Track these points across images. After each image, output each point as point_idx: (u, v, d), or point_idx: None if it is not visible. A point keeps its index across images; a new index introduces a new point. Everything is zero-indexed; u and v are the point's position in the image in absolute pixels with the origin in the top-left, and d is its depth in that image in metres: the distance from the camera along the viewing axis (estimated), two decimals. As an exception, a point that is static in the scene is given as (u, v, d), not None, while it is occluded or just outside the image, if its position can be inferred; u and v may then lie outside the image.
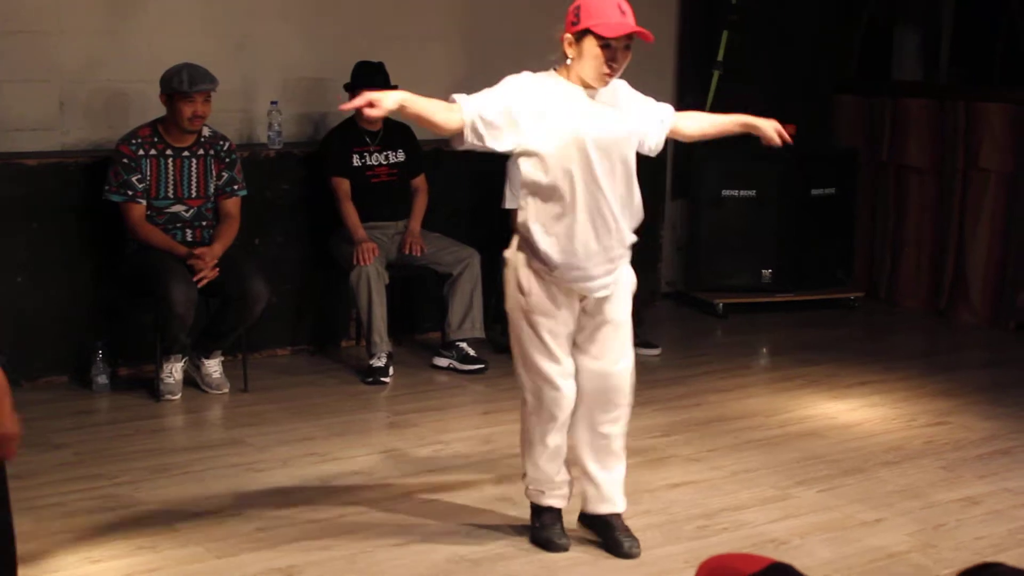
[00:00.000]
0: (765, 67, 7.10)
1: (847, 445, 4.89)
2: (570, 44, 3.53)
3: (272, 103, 6.06)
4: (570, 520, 3.93)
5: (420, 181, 6.06)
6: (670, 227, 7.48)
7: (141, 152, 5.32)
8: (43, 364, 5.41)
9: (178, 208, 5.40)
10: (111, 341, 5.54)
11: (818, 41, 7.31)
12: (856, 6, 7.78)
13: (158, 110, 5.39)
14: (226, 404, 5.39)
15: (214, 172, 5.46)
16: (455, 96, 3.54)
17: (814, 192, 7.22)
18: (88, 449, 4.71)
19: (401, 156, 6.00)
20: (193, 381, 5.52)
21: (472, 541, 3.90)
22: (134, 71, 5.79)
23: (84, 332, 5.52)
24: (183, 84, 5.22)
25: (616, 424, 3.80)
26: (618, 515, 3.86)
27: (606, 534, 3.85)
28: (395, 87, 5.83)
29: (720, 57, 7.04)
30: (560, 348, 3.68)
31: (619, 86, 3.67)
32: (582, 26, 3.49)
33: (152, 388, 5.40)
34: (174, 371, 5.39)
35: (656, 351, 6.18)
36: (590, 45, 3.49)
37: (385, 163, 5.95)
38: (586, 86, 3.57)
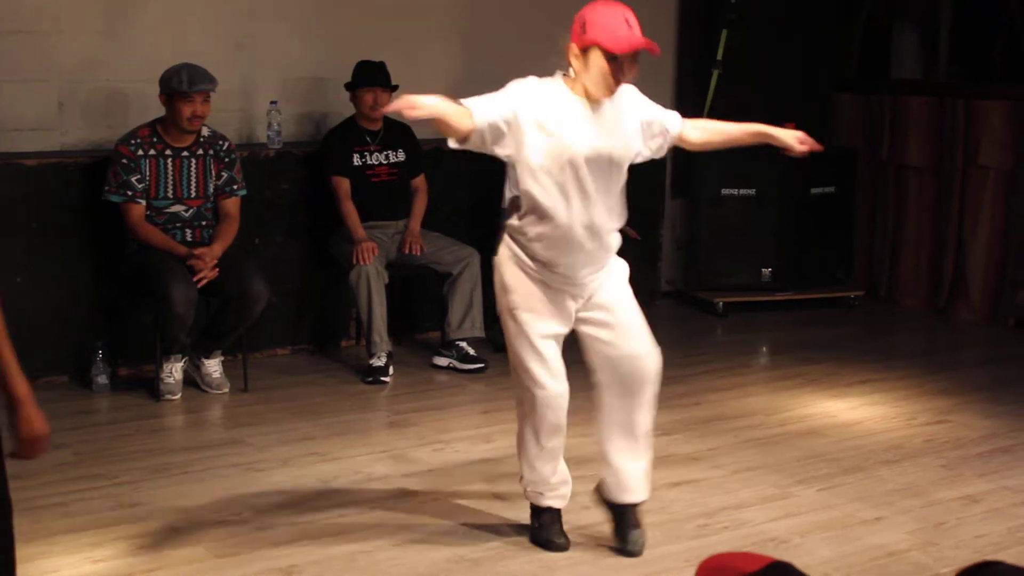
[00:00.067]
0: (764, 66, 7.10)
1: (847, 444, 4.89)
2: (576, 56, 3.49)
3: (272, 103, 6.06)
4: (570, 520, 3.93)
5: (420, 181, 6.06)
6: (670, 226, 7.48)
7: (140, 152, 5.32)
8: (43, 364, 5.41)
9: (177, 208, 5.40)
10: (111, 341, 5.54)
11: (817, 40, 7.32)
12: (855, 5, 7.78)
13: (157, 110, 5.39)
14: (226, 404, 5.39)
15: (213, 172, 5.46)
16: (464, 101, 3.52)
17: (814, 191, 7.22)
18: (88, 449, 4.71)
19: (401, 156, 6.00)
20: (193, 381, 5.52)
21: (472, 540, 3.90)
22: (133, 71, 5.79)
23: (84, 332, 5.52)
24: (182, 84, 5.22)
25: (640, 411, 3.75)
26: (635, 505, 3.84)
27: (617, 523, 3.85)
28: (396, 87, 5.86)
29: (719, 56, 7.04)
30: (548, 348, 3.66)
31: (625, 92, 3.62)
32: (588, 39, 3.44)
33: (152, 388, 5.40)
34: (174, 371, 5.39)
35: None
36: (597, 59, 3.45)
37: (385, 163, 5.95)
38: (590, 98, 3.53)
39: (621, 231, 3.77)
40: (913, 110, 7.26)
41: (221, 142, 5.49)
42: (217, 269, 5.26)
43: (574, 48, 3.49)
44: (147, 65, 5.64)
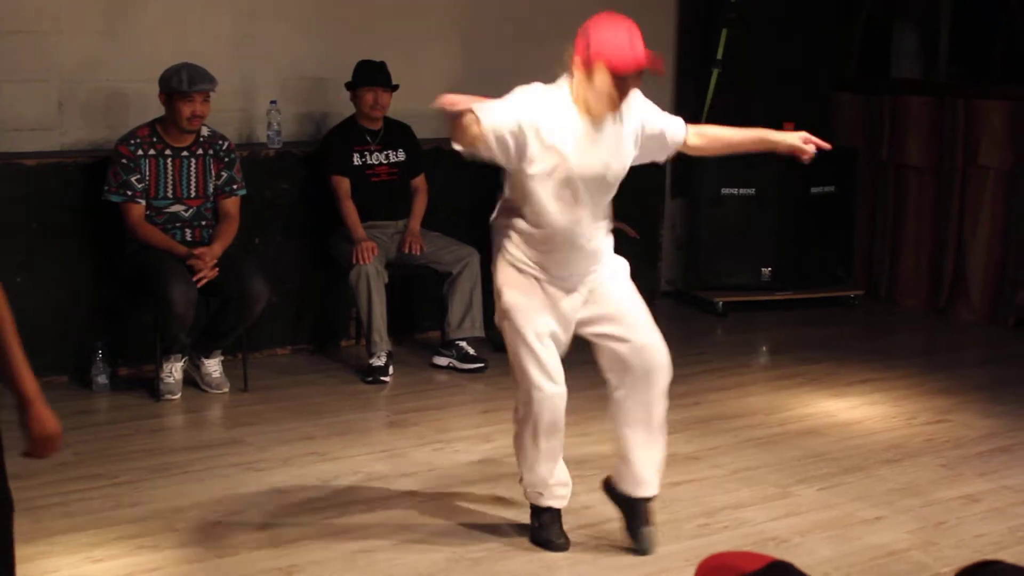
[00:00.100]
0: (764, 66, 7.10)
1: (847, 443, 4.89)
2: (579, 70, 3.46)
3: (271, 103, 6.05)
4: (570, 519, 3.93)
5: (420, 181, 6.06)
6: (670, 226, 7.48)
7: (140, 152, 5.31)
8: (43, 364, 5.36)
9: (177, 208, 5.40)
10: (111, 341, 5.54)
11: (817, 39, 7.32)
12: (855, 4, 7.77)
13: (157, 110, 5.39)
14: (226, 404, 5.39)
15: (213, 172, 5.46)
16: (473, 107, 3.51)
17: (813, 190, 7.22)
18: (88, 449, 4.71)
19: (401, 156, 6.00)
20: (193, 381, 5.52)
21: (472, 540, 3.90)
22: (133, 71, 5.79)
23: (84, 332, 5.52)
24: (182, 84, 5.21)
25: (655, 403, 3.73)
26: (647, 500, 3.84)
27: (629, 518, 3.84)
28: (396, 87, 5.86)
29: (719, 56, 7.04)
30: (544, 348, 3.65)
31: (629, 99, 3.59)
32: (593, 56, 3.41)
33: (152, 388, 5.40)
34: (174, 371, 5.39)
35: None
36: (601, 76, 3.42)
37: (385, 162, 5.95)
38: (592, 112, 3.50)
39: (620, 231, 3.76)
40: (913, 110, 7.26)
41: (221, 142, 5.49)
42: (217, 269, 5.26)
43: (578, 62, 3.46)
44: (147, 65, 5.64)
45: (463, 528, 4.00)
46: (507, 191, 3.68)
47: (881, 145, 7.43)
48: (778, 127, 7.05)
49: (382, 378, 5.65)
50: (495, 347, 5.95)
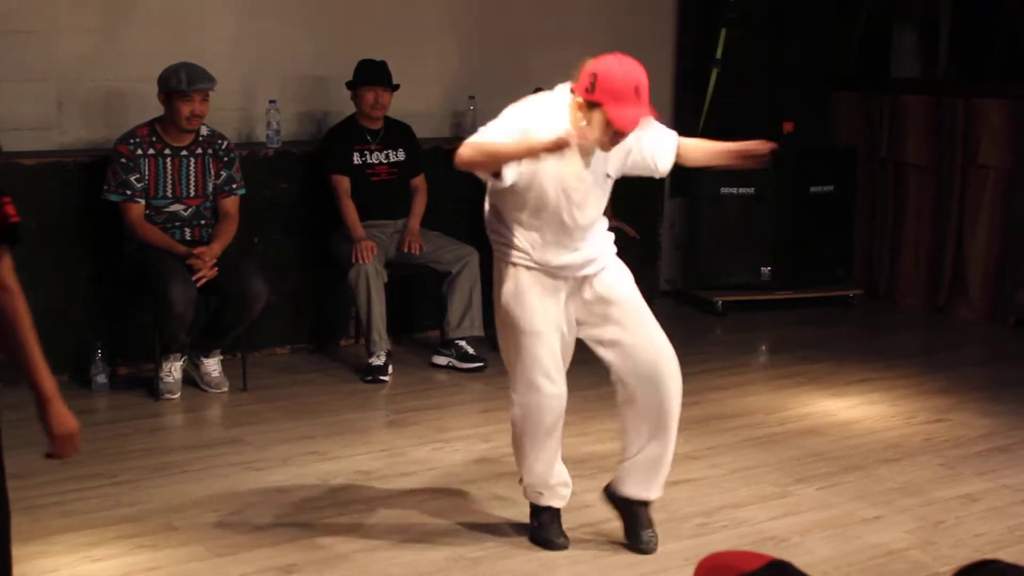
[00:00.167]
0: (764, 65, 7.10)
1: (846, 442, 4.89)
2: (579, 106, 3.43)
3: (271, 102, 6.05)
4: (570, 519, 3.93)
5: (420, 181, 6.06)
6: (669, 225, 7.48)
7: (139, 152, 5.31)
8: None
9: (176, 207, 5.40)
10: (110, 340, 5.54)
11: (816, 38, 7.32)
12: (855, 4, 7.77)
13: (156, 109, 5.39)
14: (225, 403, 5.39)
15: (212, 171, 5.46)
16: (473, 136, 3.50)
17: (813, 190, 7.22)
18: (87, 448, 4.67)
19: (401, 155, 6.00)
20: (192, 380, 5.52)
21: (471, 539, 3.90)
22: (132, 70, 5.79)
23: (83, 331, 5.52)
24: (181, 83, 5.21)
25: (666, 411, 3.72)
26: (647, 503, 3.84)
27: (627, 519, 3.84)
28: (397, 86, 5.86)
29: (718, 55, 7.04)
30: (545, 349, 3.64)
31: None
32: (596, 100, 3.37)
33: (151, 387, 5.40)
34: (173, 370, 5.39)
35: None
36: (599, 120, 3.39)
37: (385, 162, 5.95)
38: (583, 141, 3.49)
39: (620, 230, 3.76)
40: (913, 109, 7.26)
41: (220, 141, 5.49)
42: (216, 268, 5.26)
43: (578, 99, 3.43)
44: (146, 64, 5.63)
45: (463, 527, 4.00)
46: (490, 202, 3.68)
47: (881, 144, 7.43)
48: (778, 127, 7.15)
49: (381, 377, 5.65)
50: (494, 346, 5.95)
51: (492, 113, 3.66)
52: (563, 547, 3.83)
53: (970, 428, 5.10)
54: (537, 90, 3.79)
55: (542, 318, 3.64)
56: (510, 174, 3.46)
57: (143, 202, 5.32)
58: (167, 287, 5.08)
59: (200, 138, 5.43)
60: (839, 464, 4.64)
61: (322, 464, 4.59)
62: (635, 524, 3.84)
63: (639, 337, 3.69)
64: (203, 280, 5.22)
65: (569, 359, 3.76)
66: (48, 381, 2.47)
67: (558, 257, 3.62)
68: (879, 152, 7.44)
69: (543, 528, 3.86)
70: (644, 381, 3.69)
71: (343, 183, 5.83)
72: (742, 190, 7.13)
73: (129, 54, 5.82)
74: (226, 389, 5.49)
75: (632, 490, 3.83)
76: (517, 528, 3.96)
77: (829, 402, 5.45)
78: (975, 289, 7.04)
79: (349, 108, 5.98)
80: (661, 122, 3.64)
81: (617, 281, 3.72)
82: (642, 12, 7.08)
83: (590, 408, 4.89)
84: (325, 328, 6.27)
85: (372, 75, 5.83)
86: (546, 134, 3.31)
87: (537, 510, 3.88)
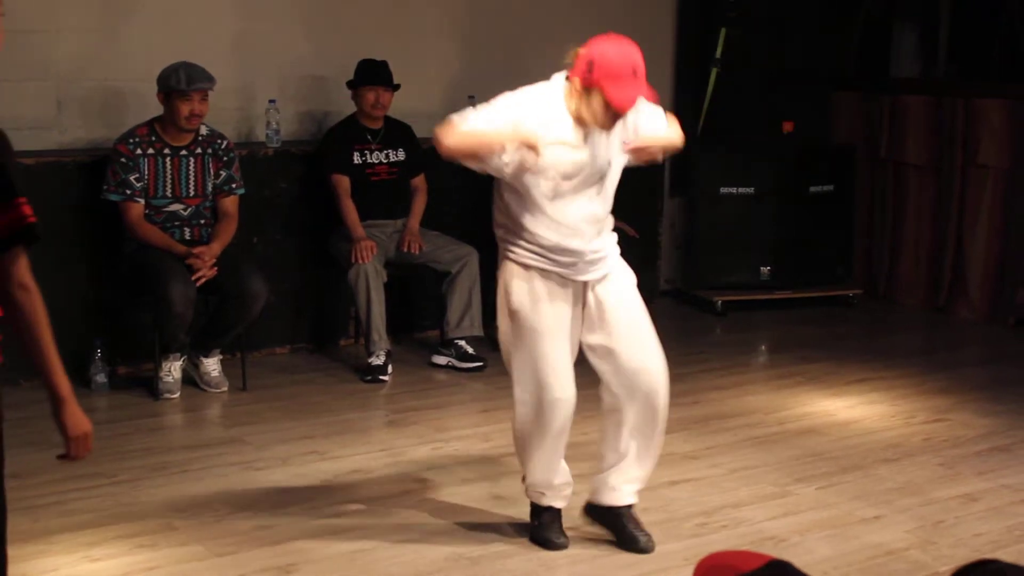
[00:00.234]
0: (764, 65, 7.10)
1: (846, 442, 4.89)
2: (577, 90, 3.44)
3: (270, 101, 6.05)
4: (569, 519, 3.93)
5: (420, 180, 6.06)
6: (668, 225, 7.48)
7: (139, 151, 5.31)
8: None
9: (176, 207, 5.40)
10: (110, 340, 5.54)
11: (816, 38, 7.31)
12: (854, 3, 7.77)
13: (155, 109, 5.39)
14: (225, 403, 5.39)
15: (212, 171, 5.46)
16: (459, 116, 3.51)
17: (812, 189, 7.22)
18: (87, 448, 4.70)
19: (401, 155, 6.00)
20: (192, 380, 5.52)
21: (471, 539, 3.90)
22: (131, 70, 5.79)
23: (83, 331, 5.51)
24: (180, 83, 5.21)
25: (650, 423, 3.74)
26: (629, 507, 3.85)
27: (617, 527, 3.84)
28: (398, 86, 5.86)
29: (718, 54, 7.04)
30: (555, 351, 3.64)
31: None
32: (593, 82, 3.39)
33: (151, 387, 5.40)
34: (173, 370, 5.39)
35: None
36: (598, 101, 3.41)
37: (385, 161, 5.95)
38: (583, 121, 3.49)
39: (620, 230, 3.76)
40: (912, 108, 7.26)
41: (220, 141, 5.49)
42: (216, 268, 5.26)
43: (576, 82, 3.44)
44: (145, 64, 5.63)
45: (462, 527, 4.00)
46: (501, 194, 3.68)
47: (880, 144, 7.43)
48: (778, 126, 7.15)
49: (381, 377, 5.65)
50: (494, 346, 5.95)
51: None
52: (563, 547, 3.83)
53: (970, 428, 5.10)
54: None
55: (554, 320, 3.64)
56: (506, 165, 3.45)
57: (143, 202, 5.32)
58: (167, 287, 5.08)
59: (200, 138, 5.43)
60: (839, 464, 4.64)
61: (322, 464, 4.59)
62: (625, 529, 3.83)
63: (634, 350, 3.69)
64: (203, 280, 5.22)
65: (573, 358, 3.77)
66: (64, 381, 2.50)
67: (568, 254, 3.59)
68: (879, 152, 7.44)
69: (544, 528, 3.86)
70: (633, 393, 3.71)
71: (343, 182, 5.83)
72: (742, 190, 7.13)
73: (129, 54, 5.82)
74: (226, 389, 5.49)
75: (610, 497, 3.83)
76: (517, 528, 3.96)
77: (829, 402, 5.45)
78: (975, 289, 7.04)
79: (349, 108, 5.98)
80: (660, 104, 3.64)
81: (621, 289, 3.71)
82: (642, 12, 7.07)
83: (591, 408, 4.87)
84: (325, 328, 6.27)
85: (373, 75, 5.84)
86: (528, 131, 3.34)
87: (538, 510, 3.88)
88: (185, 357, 5.46)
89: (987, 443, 4.92)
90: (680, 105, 7.27)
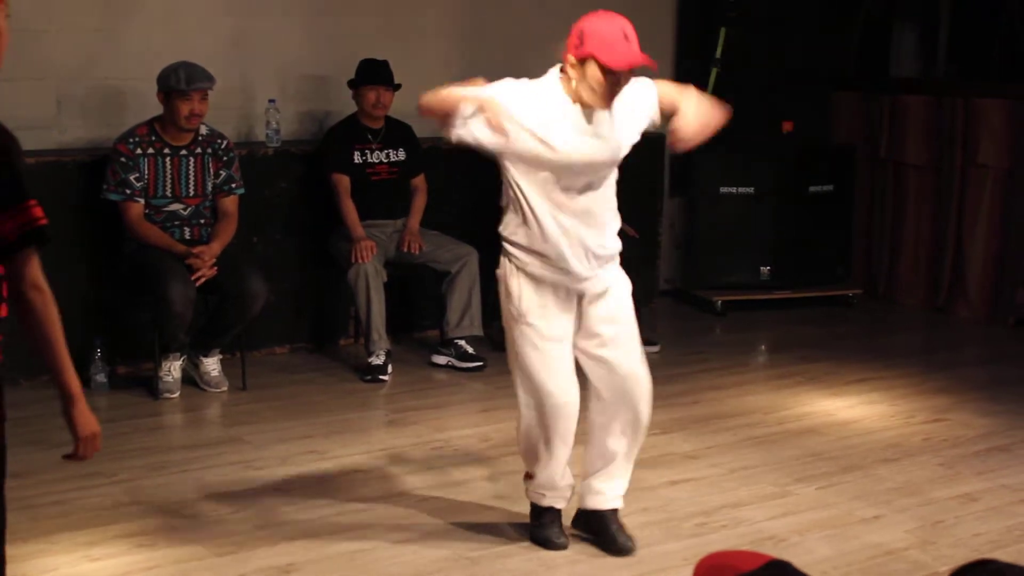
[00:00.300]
0: (763, 64, 7.10)
1: (846, 442, 4.89)
2: (572, 66, 3.46)
3: (270, 101, 6.05)
4: (569, 519, 3.93)
5: (420, 181, 6.06)
6: (668, 225, 7.48)
7: (139, 151, 5.32)
8: (42, 363, 5.37)
9: (176, 206, 5.40)
10: (110, 340, 5.54)
11: (816, 38, 7.31)
12: (854, 3, 7.78)
13: (155, 108, 5.39)
14: (224, 402, 5.39)
15: (212, 170, 5.46)
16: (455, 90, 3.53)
17: (812, 189, 7.22)
18: (86, 447, 4.70)
19: (402, 155, 6.00)
20: (191, 379, 5.52)
21: (471, 539, 3.90)
22: (131, 69, 5.79)
23: (82, 331, 5.51)
24: (180, 82, 5.21)
25: (632, 434, 3.77)
26: (614, 511, 3.86)
27: (600, 530, 3.84)
28: (399, 86, 5.86)
29: (718, 54, 7.04)
30: (557, 354, 3.64)
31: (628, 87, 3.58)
32: (586, 52, 3.41)
33: (151, 386, 5.40)
34: (172, 369, 5.39)
35: (655, 348, 6.17)
36: (593, 71, 3.42)
37: (386, 161, 5.96)
38: (584, 103, 3.50)
39: (621, 230, 3.75)
40: (912, 109, 7.26)
41: (219, 140, 5.49)
42: (215, 268, 5.26)
43: (570, 59, 3.46)
44: (145, 63, 5.64)
45: (462, 527, 4.00)
46: (506, 194, 3.67)
47: (880, 144, 7.43)
48: (778, 126, 7.15)
49: (381, 377, 5.65)
50: (494, 346, 5.95)
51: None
52: (563, 547, 3.83)
53: (969, 428, 5.10)
54: None
55: (559, 325, 3.64)
56: (466, 121, 3.46)
57: (142, 201, 5.32)
58: (166, 286, 5.08)
59: (199, 137, 5.43)
60: (838, 464, 4.64)
61: (321, 463, 4.59)
62: (607, 531, 3.83)
63: (624, 357, 3.71)
64: (202, 279, 5.22)
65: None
66: (75, 381, 2.55)
67: (570, 260, 3.59)
68: (879, 152, 7.44)
69: (543, 528, 3.86)
70: (622, 398, 3.72)
71: (343, 182, 5.83)
72: (741, 189, 7.14)
73: (128, 53, 5.82)
74: (225, 388, 5.49)
75: (596, 501, 3.84)
76: (517, 528, 3.96)
77: (828, 402, 5.45)
78: (975, 289, 7.04)
79: (349, 107, 5.98)
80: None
81: (619, 297, 3.71)
82: (642, 12, 7.04)
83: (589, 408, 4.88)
84: (324, 327, 6.27)
85: (374, 74, 5.84)
86: (490, 99, 3.39)
87: (539, 510, 3.88)
88: (185, 357, 5.46)
89: (986, 443, 4.92)
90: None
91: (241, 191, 5.54)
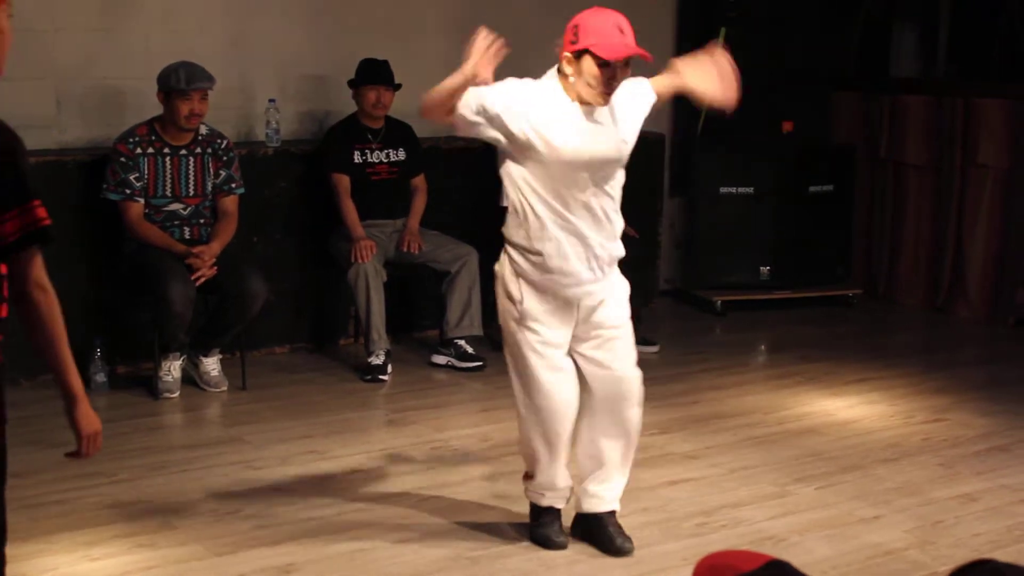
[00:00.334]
0: (763, 65, 7.09)
1: (845, 442, 4.89)
2: (569, 62, 3.48)
3: (270, 101, 6.05)
4: (569, 519, 3.93)
5: (420, 180, 6.06)
6: (668, 225, 7.48)
7: (139, 151, 5.32)
8: (42, 362, 5.36)
9: (176, 206, 5.40)
10: (109, 339, 5.54)
11: (816, 38, 7.31)
12: (854, 3, 7.78)
13: (155, 108, 5.39)
14: (224, 402, 5.39)
15: (212, 170, 5.46)
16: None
17: (812, 189, 7.22)
18: (86, 447, 4.70)
19: (402, 155, 6.00)
20: (191, 379, 5.52)
21: (470, 539, 3.90)
22: (131, 69, 5.79)
23: (82, 331, 5.51)
24: (180, 82, 5.22)
25: (626, 436, 3.78)
26: (611, 512, 3.86)
27: (598, 532, 3.84)
28: (399, 86, 5.86)
29: (718, 54, 7.03)
30: (557, 358, 3.65)
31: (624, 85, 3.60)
32: (581, 46, 3.43)
33: (150, 386, 5.40)
34: (172, 369, 5.39)
35: (655, 348, 6.18)
36: (589, 65, 3.44)
37: (386, 161, 5.96)
38: (583, 101, 3.52)
39: (622, 234, 3.75)
40: (912, 109, 7.27)
41: (219, 140, 5.49)
42: (215, 267, 5.26)
43: (567, 55, 3.48)
44: (145, 63, 5.64)
45: (461, 527, 4.00)
46: (507, 194, 3.67)
47: (880, 144, 7.43)
48: (778, 126, 7.14)
49: (380, 377, 5.65)
50: (494, 346, 5.96)
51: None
52: (562, 546, 3.83)
53: (969, 428, 5.10)
54: None
55: (560, 334, 3.65)
56: (472, 111, 3.48)
57: (142, 201, 5.33)
58: (166, 286, 5.09)
59: (199, 137, 5.43)
60: (838, 464, 4.64)
61: (321, 463, 4.59)
62: (604, 532, 3.83)
63: (620, 361, 3.72)
64: (202, 279, 5.22)
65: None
66: (77, 380, 2.58)
67: (571, 264, 3.58)
68: (878, 152, 7.44)
69: (543, 527, 3.86)
70: (617, 401, 3.73)
71: (343, 181, 5.83)
72: (741, 189, 7.14)
73: (128, 53, 5.82)
74: (225, 388, 5.49)
75: (592, 504, 3.84)
76: (516, 527, 3.96)
77: (828, 402, 5.45)
78: (974, 289, 7.04)
79: (349, 107, 5.98)
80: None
81: (616, 301, 3.71)
82: (642, 12, 7.05)
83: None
84: (324, 327, 6.27)
85: (375, 74, 5.84)
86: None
87: (538, 510, 3.88)
88: (185, 356, 5.46)
89: (986, 443, 4.92)
90: (680, 104, 7.26)
91: (241, 191, 5.54)
